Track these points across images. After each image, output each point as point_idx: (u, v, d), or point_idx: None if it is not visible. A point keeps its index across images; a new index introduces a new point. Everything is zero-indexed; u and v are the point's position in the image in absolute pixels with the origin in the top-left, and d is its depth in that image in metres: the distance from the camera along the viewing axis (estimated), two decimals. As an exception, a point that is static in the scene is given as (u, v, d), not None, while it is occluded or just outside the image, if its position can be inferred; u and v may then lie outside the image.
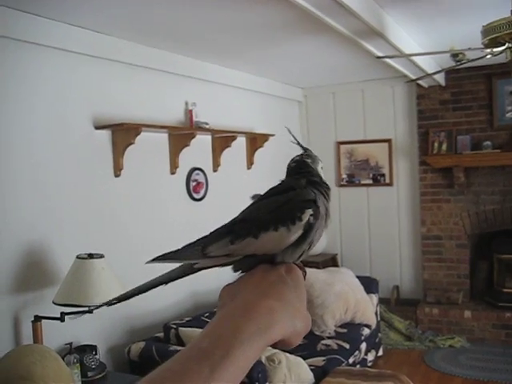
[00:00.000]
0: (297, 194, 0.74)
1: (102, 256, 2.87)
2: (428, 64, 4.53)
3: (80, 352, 2.90)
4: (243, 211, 0.79)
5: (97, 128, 3.38)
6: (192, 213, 4.23)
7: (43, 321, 2.79)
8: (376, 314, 4.77)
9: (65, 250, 3.06)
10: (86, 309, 2.75)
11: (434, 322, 5.38)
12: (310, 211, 0.71)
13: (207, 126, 4.21)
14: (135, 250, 3.64)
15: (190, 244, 0.80)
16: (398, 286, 5.83)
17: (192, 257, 0.77)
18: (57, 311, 2.77)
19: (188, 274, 0.79)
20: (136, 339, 3.45)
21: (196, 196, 4.25)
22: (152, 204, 3.82)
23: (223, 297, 0.70)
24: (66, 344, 2.88)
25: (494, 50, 2.80)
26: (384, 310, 5.44)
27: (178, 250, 0.79)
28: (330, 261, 5.84)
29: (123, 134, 3.45)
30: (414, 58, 4.03)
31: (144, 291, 0.80)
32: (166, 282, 0.79)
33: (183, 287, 4.09)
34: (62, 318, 2.76)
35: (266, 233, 0.71)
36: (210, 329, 0.62)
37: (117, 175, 3.52)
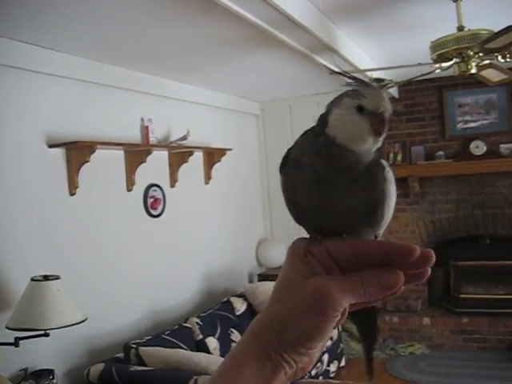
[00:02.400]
0: (297, 142, 0.62)
1: (57, 277, 2.81)
2: (379, 76, 4.61)
3: (36, 377, 2.82)
4: None
5: (50, 146, 3.32)
6: (150, 229, 4.18)
7: (-4, 346, 2.72)
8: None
9: (19, 272, 2.98)
10: (42, 332, 2.69)
11: (394, 330, 5.45)
12: (288, 152, 0.61)
13: (183, 142, 4.29)
14: (92, 269, 3.57)
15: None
16: (359, 295, 5.88)
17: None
18: (10, 336, 2.69)
19: None
20: (95, 360, 3.38)
21: (154, 212, 4.21)
22: (109, 222, 3.77)
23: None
24: (21, 370, 2.80)
25: (443, 64, 2.88)
26: (345, 320, 5.47)
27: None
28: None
29: (78, 152, 3.40)
30: (367, 72, 4.10)
31: None
32: None
33: (143, 304, 4.04)
34: (16, 343, 2.68)
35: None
36: None
37: (72, 194, 3.46)
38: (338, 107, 0.58)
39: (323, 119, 0.59)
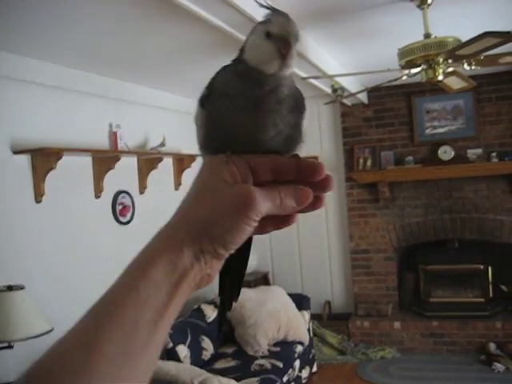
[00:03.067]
0: (223, 67, 0.67)
1: (22, 287, 2.73)
2: (350, 83, 4.65)
3: (0, 390, 2.75)
4: None
5: (15, 153, 3.24)
6: (119, 237, 4.12)
7: (-41, 360, 2.63)
8: (308, 330, 4.81)
9: (-18, 283, 2.90)
10: (6, 344, 2.62)
11: (365, 334, 5.47)
12: (208, 82, 0.65)
13: (162, 149, 4.27)
14: (59, 278, 3.50)
15: None
16: (330, 301, 5.91)
17: None
18: (-27, 349, 2.61)
19: None
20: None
21: (123, 219, 4.15)
22: (77, 229, 3.70)
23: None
24: (-15, 383, 2.72)
25: (412, 71, 2.91)
26: (316, 325, 5.49)
27: None
28: (261, 279, 5.84)
29: (43, 158, 3.33)
30: (337, 78, 4.12)
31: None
32: None
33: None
34: (-21, 356, 2.60)
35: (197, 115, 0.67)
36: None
37: (38, 201, 3.39)
38: (252, 34, 0.63)
39: (241, 47, 0.64)
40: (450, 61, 2.68)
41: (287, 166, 0.58)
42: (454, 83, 3.28)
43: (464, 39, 2.68)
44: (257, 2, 0.63)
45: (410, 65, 2.82)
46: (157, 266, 0.52)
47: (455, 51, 2.45)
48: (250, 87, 0.60)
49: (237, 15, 2.43)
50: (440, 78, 2.79)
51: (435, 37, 2.71)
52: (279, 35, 0.60)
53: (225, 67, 0.65)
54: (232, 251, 0.55)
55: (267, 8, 0.62)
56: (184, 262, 0.53)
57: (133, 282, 0.53)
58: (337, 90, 3.98)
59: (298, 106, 0.62)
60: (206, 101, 0.63)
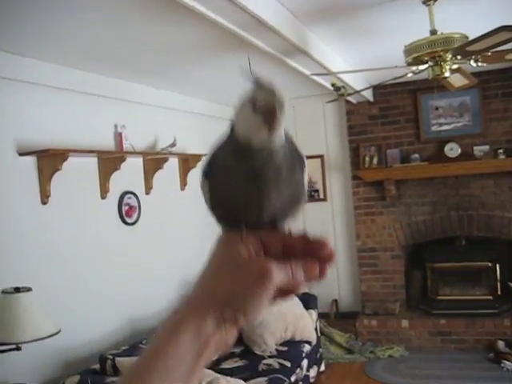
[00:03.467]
0: (217, 141, 0.71)
1: (29, 289, 2.73)
2: (356, 81, 4.63)
3: (8, 392, 2.75)
4: None
5: (21, 154, 3.24)
6: (125, 237, 4.12)
7: (-34, 362, 2.63)
8: (316, 329, 4.79)
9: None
10: (14, 346, 2.62)
11: (373, 333, 5.46)
12: (206, 158, 0.69)
13: (172, 149, 4.32)
14: (66, 280, 3.50)
15: None
16: (337, 299, 5.89)
17: None
18: (-19, 351, 2.61)
19: None
20: (70, 373, 3.30)
21: (129, 220, 4.15)
22: (83, 231, 3.70)
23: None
24: (-7, 385, 2.72)
25: (420, 67, 2.88)
26: (324, 324, 5.48)
27: None
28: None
29: (49, 160, 3.33)
30: (342, 76, 4.10)
31: None
32: None
33: (120, 314, 3.97)
34: (-14, 358, 2.61)
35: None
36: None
37: (44, 203, 3.38)
38: (240, 109, 0.65)
39: (232, 120, 0.66)
40: (458, 57, 2.66)
41: (296, 244, 0.65)
42: (456, 80, 3.26)
43: (470, 35, 2.66)
44: (247, 72, 0.65)
45: (417, 62, 2.80)
46: (184, 333, 0.57)
47: (467, 46, 2.42)
48: (245, 161, 0.63)
49: (244, 15, 2.42)
50: (447, 74, 2.77)
51: (441, 33, 2.70)
52: (264, 107, 0.62)
53: (220, 143, 0.68)
54: (251, 317, 0.61)
55: (251, 79, 0.64)
56: (207, 330, 0.58)
57: (162, 347, 0.58)
58: (340, 89, 3.96)
59: (297, 164, 0.67)
60: (209, 173, 0.68)
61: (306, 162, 0.68)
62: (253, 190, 0.64)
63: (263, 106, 0.62)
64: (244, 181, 0.64)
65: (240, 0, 2.26)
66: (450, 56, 2.63)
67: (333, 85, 3.84)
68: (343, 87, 3.87)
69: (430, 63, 2.71)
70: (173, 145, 4.47)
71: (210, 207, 0.70)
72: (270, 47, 3.14)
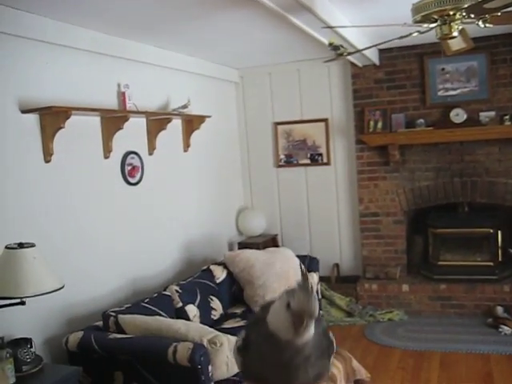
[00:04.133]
0: (252, 324, 0.85)
1: (32, 245, 2.74)
2: (360, 41, 4.54)
3: (13, 346, 2.78)
4: None
5: (23, 112, 3.22)
6: (128, 197, 4.13)
7: (-29, 315, 2.67)
8: (317, 292, 4.83)
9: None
10: (18, 300, 2.64)
11: (373, 297, 5.50)
12: (242, 334, 0.80)
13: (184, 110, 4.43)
14: (69, 237, 3.52)
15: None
16: (338, 263, 5.93)
17: None
18: (-15, 305, 2.64)
19: None
20: (74, 329, 3.35)
21: (131, 180, 4.15)
22: (86, 189, 3.70)
23: None
24: (-2, 338, 2.76)
25: (430, 26, 2.81)
26: (325, 287, 5.52)
27: None
28: (270, 241, 5.87)
29: (52, 117, 3.31)
30: (346, 36, 4.02)
31: None
32: None
33: (122, 273, 4.01)
34: (-9, 312, 2.63)
35: None
36: None
37: (47, 161, 3.38)
38: (278, 300, 0.76)
39: (267, 307, 0.79)
40: (466, 16, 2.60)
41: None
42: (454, 44, 3.20)
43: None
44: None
45: (425, 21, 2.74)
46: None
47: (484, 3, 2.34)
48: (276, 349, 0.72)
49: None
50: (455, 34, 2.72)
51: (451, -9, 2.63)
52: (297, 311, 0.71)
53: (252, 324, 0.79)
54: None
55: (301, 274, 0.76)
56: None
57: None
58: (338, 48, 3.84)
59: (326, 350, 0.77)
60: (242, 349, 0.76)
61: (335, 346, 0.83)
62: (281, 375, 0.73)
63: (296, 308, 0.71)
64: (274, 366, 0.72)
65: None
66: (461, 14, 2.57)
67: (330, 44, 3.74)
68: (342, 46, 3.77)
69: (438, 22, 2.65)
70: (185, 106, 4.46)
71: (242, 375, 0.77)
72: (273, 2, 3.05)
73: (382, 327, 5.08)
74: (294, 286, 0.75)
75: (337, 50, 3.68)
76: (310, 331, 0.71)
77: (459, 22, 2.64)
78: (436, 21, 2.69)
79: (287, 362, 0.72)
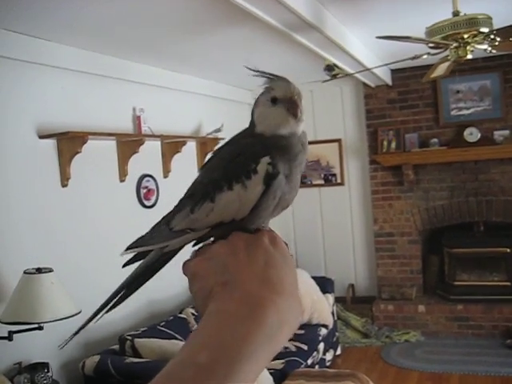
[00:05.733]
0: (249, 144, 0.64)
1: (50, 270, 2.77)
2: (372, 62, 4.56)
3: (31, 371, 2.79)
4: (201, 169, 0.69)
5: (41, 137, 3.27)
6: (143, 220, 4.13)
7: (-10, 341, 2.68)
8: (332, 313, 4.80)
9: (11, 266, 2.93)
10: (36, 325, 2.66)
11: (389, 318, 5.45)
12: (266, 159, 0.61)
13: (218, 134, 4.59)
14: (86, 261, 3.54)
15: (157, 223, 0.70)
16: (353, 284, 5.89)
17: (160, 238, 0.68)
18: (4, 330, 2.65)
19: (161, 264, 0.69)
20: (90, 353, 3.35)
21: (147, 203, 4.17)
22: (102, 213, 3.73)
23: (204, 277, 0.57)
24: (15, 364, 2.77)
25: (444, 53, 2.83)
26: (340, 308, 5.49)
27: (146, 233, 0.70)
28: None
29: (69, 142, 3.35)
30: (356, 56, 4.05)
31: (125, 289, 0.71)
32: (144, 275, 0.70)
33: (139, 295, 3.98)
34: (9, 337, 2.65)
35: (221, 193, 0.62)
36: (207, 335, 0.50)
37: (64, 185, 3.41)
38: (257, 106, 0.66)
39: (251, 123, 0.66)
40: (490, 39, 2.59)
41: None
42: (439, 70, 3.28)
43: (494, 17, 2.62)
44: (256, 71, 0.66)
45: (439, 43, 2.76)
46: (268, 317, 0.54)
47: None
48: (290, 156, 0.63)
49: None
50: (469, 56, 2.73)
51: (464, 14, 2.65)
52: (284, 97, 0.63)
53: (249, 144, 0.65)
54: None
55: (265, 76, 0.65)
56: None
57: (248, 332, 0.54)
58: (333, 68, 3.86)
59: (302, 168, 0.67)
60: (269, 180, 0.62)
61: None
62: (291, 185, 0.64)
63: (283, 95, 0.63)
64: (287, 178, 0.63)
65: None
66: (478, 37, 2.57)
67: (326, 65, 3.75)
68: (336, 66, 3.78)
69: (453, 45, 2.66)
70: (218, 130, 4.53)
71: (257, 210, 0.63)
72: (281, 22, 3.03)
73: (399, 349, 5.02)
74: (264, 84, 0.65)
75: (331, 71, 3.70)
76: (303, 119, 0.64)
77: (474, 44, 2.65)
78: (448, 45, 2.70)
79: (295, 165, 0.63)
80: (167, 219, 0.68)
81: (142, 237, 0.70)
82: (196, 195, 0.65)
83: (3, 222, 3.01)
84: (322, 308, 4.56)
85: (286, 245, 0.62)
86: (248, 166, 0.61)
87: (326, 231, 6.00)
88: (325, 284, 4.88)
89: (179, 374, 0.46)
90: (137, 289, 0.71)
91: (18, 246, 3.07)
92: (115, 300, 0.70)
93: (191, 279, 0.59)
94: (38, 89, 3.29)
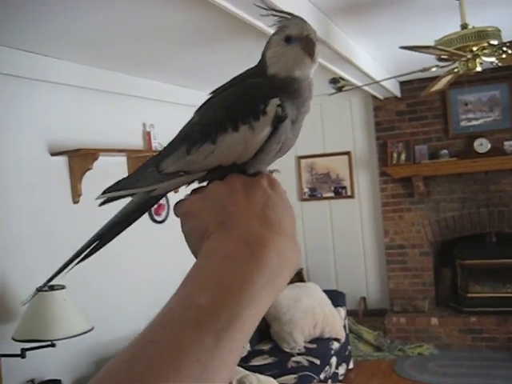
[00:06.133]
0: (257, 84, 0.61)
1: (63, 287, 2.77)
2: (381, 75, 4.57)
3: (43, 388, 2.80)
4: (198, 110, 0.66)
5: (53, 154, 3.29)
6: (154, 235, 4.15)
7: (3, 358, 2.68)
8: (344, 326, 4.77)
9: (23, 283, 2.94)
10: (49, 343, 2.66)
11: (402, 330, 5.41)
12: (276, 101, 0.58)
13: None
14: (98, 278, 3.54)
15: (143, 165, 0.64)
16: (365, 297, 5.86)
17: (148, 181, 0.62)
18: (17, 348, 2.66)
19: (147, 207, 0.65)
20: (102, 369, 3.34)
21: (158, 218, 4.18)
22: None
23: (199, 216, 0.55)
24: (28, 381, 2.77)
25: (453, 66, 2.84)
26: (352, 322, 5.45)
27: (130, 175, 0.65)
28: (295, 276, 5.83)
29: (80, 159, 3.38)
30: (365, 69, 4.06)
31: (99, 239, 0.64)
32: (122, 224, 0.64)
33: (149, 311, 4.00)
34: (22, 355, 2.65)
35: (224, 135, 0.58)
36: (206, 275, 0.48)
37: (75, 202, 3.43)
38: (270, 47, 0.61)
39: (261, 64, 0.62)
40: (500, 51, 2.60)
41: None
42: (441, 84, 3.31)
43: (503, 29, 2.62)
44: (267, 9, 0.61)
45: (448, 56, 2.76)
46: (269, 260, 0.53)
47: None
48: (299, 101, 0.60)
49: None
50: (478, 69, 2.73)
51: (473, 27, 2.65)
52: (299, 36, 0.59)
53: (257, 84, 0.61)
54: None
55: (277, 15, 0.61)
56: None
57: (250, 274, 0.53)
58: (338, 81, 3.86)
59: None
60: (277, 123, 0.59)
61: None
62: (294, 131, 0.61)
63: (298, 34, 0.59)
64: (293, 122, 0.60)
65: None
66: (488, 50, 2.57)
67: (332, 79, 3.76)
68: (342, 79, 3.79)
69: (463, 58, 2.67)
70: None
71: (260, 154, 0.59)
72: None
73: (412, 362, 4.98)
74: (276, 23, 0.61)
75: (337, 84, 3.70)
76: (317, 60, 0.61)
77: (483, 56, 2.65)
78: (458, 57, 2.70)
79: (301, 111, 0.60)
80: (156, 161, 0.63)
81: (125, 179, 0.65)
82: (193, 136, 0.61)
83: (16, 238, 3.02)
84: (333, 322, 4.54)
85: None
86: (256, 106, 0.58)
87: (337, 244, 5.98)
88: (336, 297, 4.86)
89: (179, 316, 0.43)
90: (113, 238, 0.65)
91: (31, 263, 3.08)
92: (88, 250, 0.65)
93: (184, 218, 0.57)
94: (50, 106, 3.32)
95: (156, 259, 4.13)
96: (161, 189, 0.63)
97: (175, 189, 0.64)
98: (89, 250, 0.64)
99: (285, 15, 0.61)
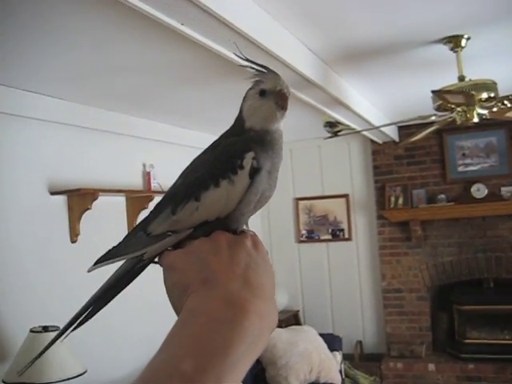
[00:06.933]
0: (232, 142, 0.65)
1: (57, 328, 2.75)
2: (380, 120, 4.64)
3: (34, 432, 2.73)
4: (181, 174, 0.69)
5: (52, 193, 3.31)
6: (152, 277, 4.12)
7: (-7, 401, 2.64)
8: (340, 371, 4.71)
9: (17, 323, 2.92)
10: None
11: (398, 376, 5.34)
12: (251, 154, 0.61)
13: None
14: (93, 319, 3.50)
15: (132, 231, 0.67)
16: (361, 340, 5.79)
17: (137, 245, 0.65)
18: (9, 390, 2.62)
19: (138, 271, 0.66)
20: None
21: (156, 259, 4.16)
22: (110, 270, 3.72)
23: (182, 271, 0.57)
24: (19, 425, 2.71)
25: (451, 114, 2.89)
26: (348, 366, 5.38)
27: (120, 242, 0.67)
28: (292, 318, 5.78)
29: (80, 199, 3.39)
30: (364, 115, 4.12)
31: (94, 304, 0.66)
32: (116, 288, 0.66)
33: (144, 353, 3.94)
34: (14, 398, 2.61)
35: (207, 191, 0.61)
36: (189, 338, 0.48)
37: (73, 241, 3.43)
38: (246, 101, 0.66)
39: (239, 117, 0.67)
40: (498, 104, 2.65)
41: None
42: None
43: (499, 82, 2.68)
44: (245, 59, 0.65)
45: (444, 107, 2.81)
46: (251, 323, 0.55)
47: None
48: (272, 153, 0.63)
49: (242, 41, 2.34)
50: (475, 120, 2.78)
51: (469, 79, 2.71)
52: (273, 90, 0.63)
53: (232, 143, 0.65)
54: None
55: (253, 68, 0.65)
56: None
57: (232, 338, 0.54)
58: (335, 125, 3.91)
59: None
60: (256, 175, 0.63)
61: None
62: (272, 181, 0.64)
63: (271, 88, 0.63)
64: (272, 172, 0.63)
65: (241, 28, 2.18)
66: (487, 103, 2.62)
67: (327, 123, 3.81)
68: (338, 123, 3.84)
69: (458, 109, 2.72)
70: None
71: (241, 206, 0.62)
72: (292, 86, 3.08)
73: (409, 409, 4.90)
74: (252, 78, 0.65)
75: (333, 128, 3.75)
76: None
77: (479, 108, 2.70)
78: (454, 108, 2.75)
79: (276, 161, 0.63)
80: (144, 224, 0.66)
81: (116, 247, 0.68)
82: (178, 196, 0.64)
83: (11, 277, 3.01)
84: (329, 367, 4.48)
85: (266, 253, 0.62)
86: (234, 162, 0.61)
87: (334, 287, 5.95)
88: (333, 341, 4.81)
89: (164, 382, 0.44)
90: (108, 302, 0.67)
91: (26, 303, 3.06)
92: (84, 316, 0.67)
93: (168, 270, 0.59)
94: (50, 146, 3.35)
95: (152, 300, 4.09)
96: (150, 251, 0.64)
97: (164, 250, 0.64)
98: (84, 315, 0.67)
99: (261, 68, 0.65)
